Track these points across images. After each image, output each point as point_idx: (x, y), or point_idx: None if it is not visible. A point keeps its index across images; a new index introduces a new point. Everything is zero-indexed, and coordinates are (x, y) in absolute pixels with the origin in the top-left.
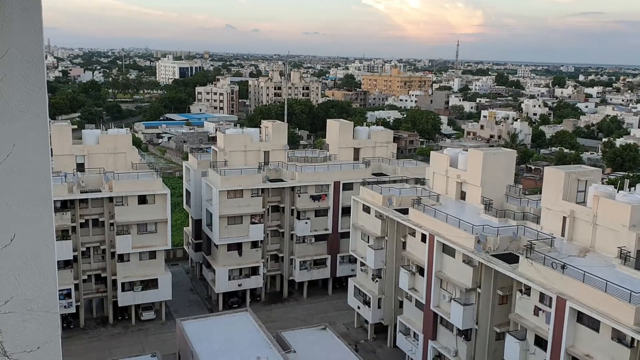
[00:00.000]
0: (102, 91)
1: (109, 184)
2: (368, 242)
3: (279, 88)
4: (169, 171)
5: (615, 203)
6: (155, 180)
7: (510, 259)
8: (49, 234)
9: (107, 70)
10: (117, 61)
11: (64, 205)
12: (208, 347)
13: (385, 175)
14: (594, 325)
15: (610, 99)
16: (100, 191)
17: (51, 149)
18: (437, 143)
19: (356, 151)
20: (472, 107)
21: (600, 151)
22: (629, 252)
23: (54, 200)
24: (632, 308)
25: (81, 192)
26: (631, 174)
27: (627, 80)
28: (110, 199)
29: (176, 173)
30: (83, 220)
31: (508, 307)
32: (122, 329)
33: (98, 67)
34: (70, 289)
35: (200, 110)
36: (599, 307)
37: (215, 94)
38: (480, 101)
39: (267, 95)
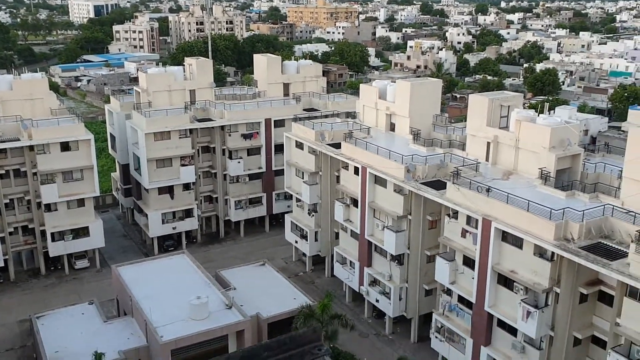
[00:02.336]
0: (11, 33)
1: (28, 132)
2: (303, 178)
3: (202, 23)
4: (90, 115)
5: (536, 126)
6: (77, 126)
7: (439, 185)
8: None
9: (14, 11)
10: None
11: None
12: (146, 290)
13: (317, 110)
14: (518, 243)
15: (531, 25)
16: (19, 140)
17: None
18: (366, 75)
19: (286, 87)
20: (398, 38)
21: (521, 77)
22: (549, 173)
23: None
24: (552, 224)
25: None
26: (551, 98)
27: (546, 5)
28: (31, 147)
29: (99, 117)
30: (3, 171)
31: (437, 231)
32: (56, 280)
33: (3, 7)
34: None
35: (120, 50)
36: (522, 226)
37: (134, 32)
38: (406, 31)
39: (189, 31)
